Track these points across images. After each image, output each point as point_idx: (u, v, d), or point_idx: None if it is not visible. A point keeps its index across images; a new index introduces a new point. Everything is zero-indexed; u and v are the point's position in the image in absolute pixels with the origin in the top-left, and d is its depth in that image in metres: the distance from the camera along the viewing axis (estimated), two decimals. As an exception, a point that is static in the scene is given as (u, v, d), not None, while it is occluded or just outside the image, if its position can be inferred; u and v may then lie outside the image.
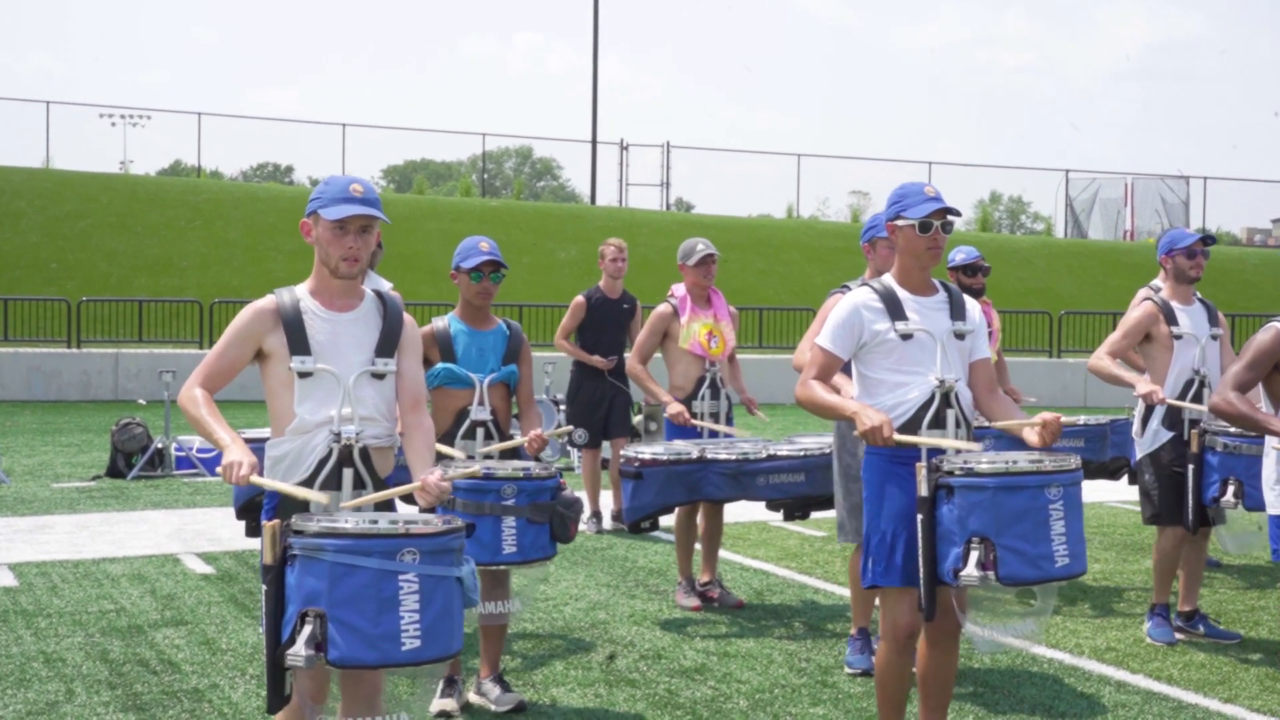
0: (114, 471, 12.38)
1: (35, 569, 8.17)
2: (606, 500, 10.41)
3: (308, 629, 3.60)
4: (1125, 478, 8.39)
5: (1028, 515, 4.28)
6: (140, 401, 19.33)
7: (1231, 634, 6.80)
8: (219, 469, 3.79)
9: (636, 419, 10.77)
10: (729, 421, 7.66)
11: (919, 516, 4.40)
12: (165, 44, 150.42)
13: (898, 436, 4.44)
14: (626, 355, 8.68)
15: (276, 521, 3.73)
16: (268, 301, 4.03)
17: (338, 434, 3.95)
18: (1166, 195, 39.59)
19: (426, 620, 3.64)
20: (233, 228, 28.31)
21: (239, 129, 49.21)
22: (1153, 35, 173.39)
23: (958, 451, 4.46)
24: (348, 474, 3.98)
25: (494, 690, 5.56)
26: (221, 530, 9.66)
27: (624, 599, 7.57)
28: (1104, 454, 7.84)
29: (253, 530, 6.30)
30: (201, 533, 9.58)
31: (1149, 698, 5.78)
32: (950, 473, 4.35)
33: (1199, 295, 6.80)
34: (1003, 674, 6.12)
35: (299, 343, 3.96)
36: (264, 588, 3.72)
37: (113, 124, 37.53)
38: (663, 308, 7.72)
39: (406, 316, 4.18)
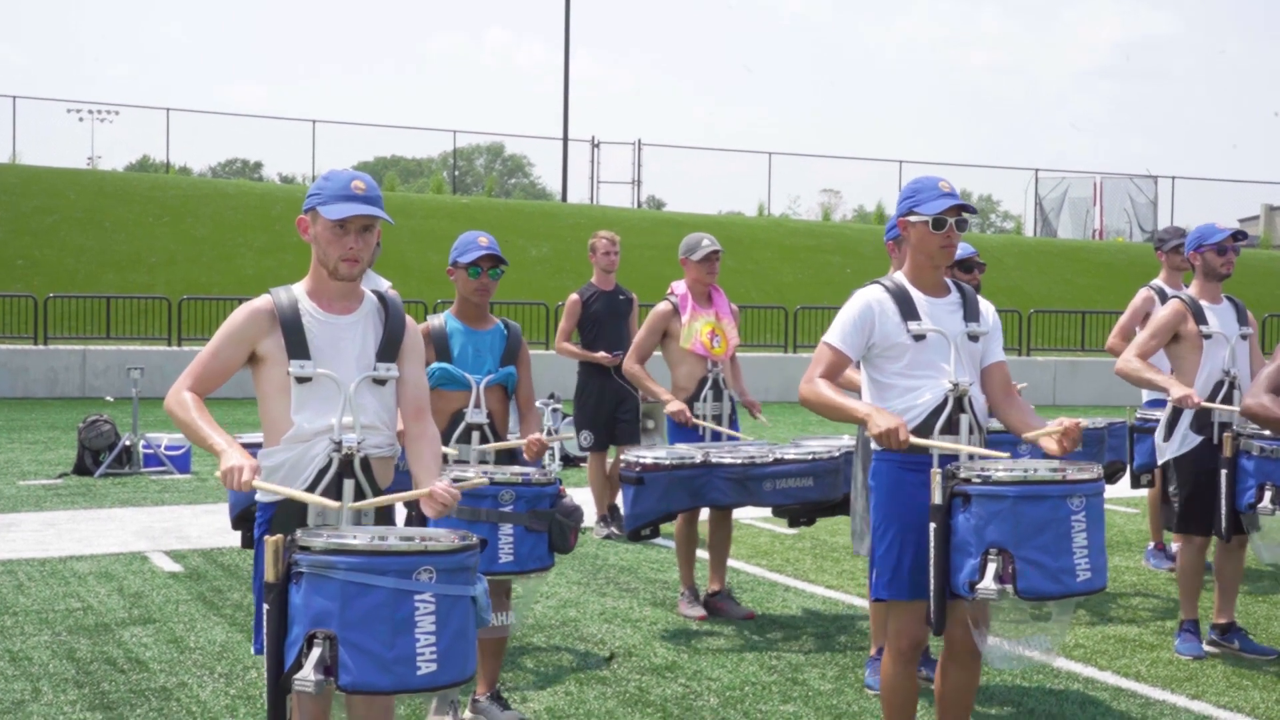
0: (81, 469, 12.29)
1: (1, 567, 8.10)
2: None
3: (316, 652, 3.38)
4: (1128, 481, 8.12)
5: (1049, 527, 4.10)
6: (108, 398, 19.20)
7: (1269, 649, 6.49)
8: (218, 473, 3.58)
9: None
10: (733, 423, 7.37)
11: (932, 526, 4.22)
12: (132, 37, 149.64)
13: (914, 440, 4.25)
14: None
15: (280, 536, 3.51)
16: (264, 301, 3.82)
17: (338, 443, 3.74)
18: (1135, 195, 39.86)
19: (443, 643, 3.44)
20: (201, 224, 28.15)
21: (208, 125, 48.88)
22: (1125, 34, 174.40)
23: (971, 457, 4.31)
24: (348, 485, 3.77)
25: (493, 709, 5.33)
26: (190, 528, 9.61)
27: (594, 596, 7.56)
28: (1101, 457, 7.55)
29: (249, 541, 5.90)
30: (169, 530, 9.52)
31: (1116, 694, 5.81)
32: (967, 480, 4.17)
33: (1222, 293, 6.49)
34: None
35: (297, 346, 3.75)
36: (265, 607, 3.50)
37: (80, 119, 37.38)
38: (663, 306, 7.40)
39: (409, 319, 3.99)
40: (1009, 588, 4.08)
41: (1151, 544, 8.78)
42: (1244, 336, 6.45)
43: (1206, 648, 6.49)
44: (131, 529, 9.56)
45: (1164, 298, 8.11)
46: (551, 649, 6.45)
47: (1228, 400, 6.30)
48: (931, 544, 4.23)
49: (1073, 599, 4.23)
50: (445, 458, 5.19)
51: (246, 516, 5.80)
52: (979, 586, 4.12)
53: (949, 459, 4.32)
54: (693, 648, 6.50)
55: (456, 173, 41.56)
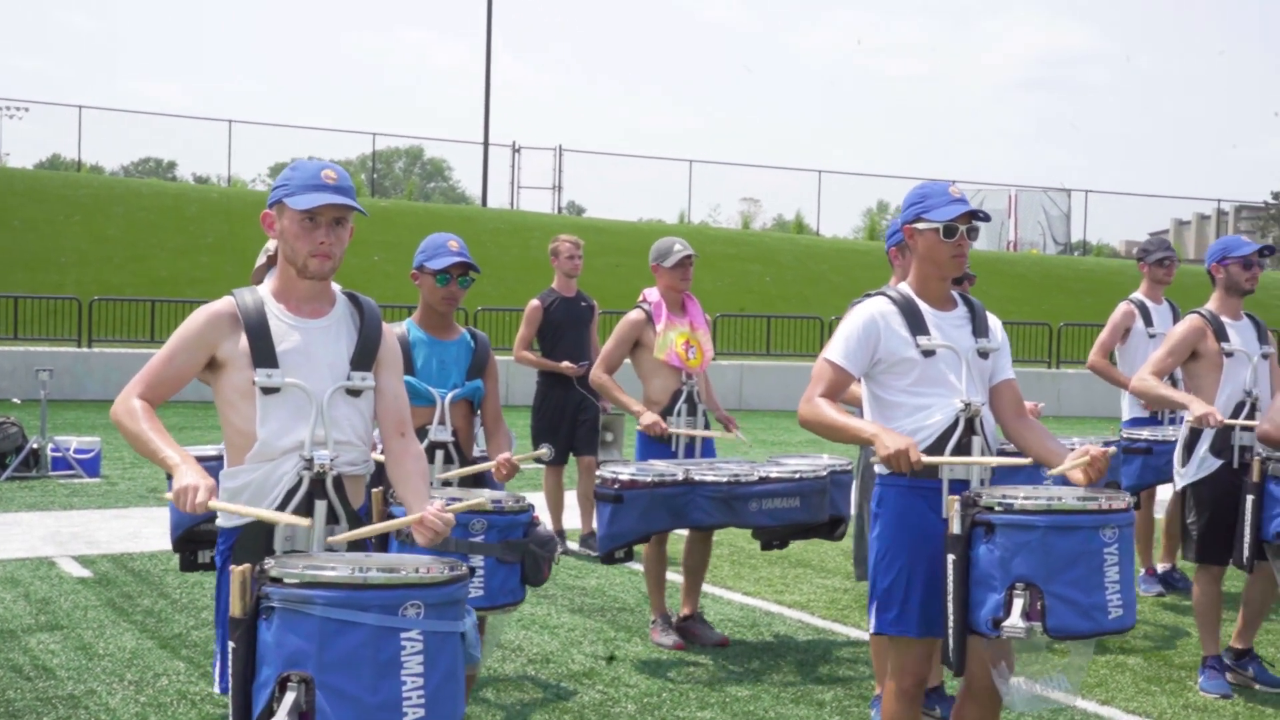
0: (-14, 472, 12.03)
1: (-98, 572, 7.91)
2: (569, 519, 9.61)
3: (290, 697, 3.04)
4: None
5: (1082, 560, 3.82)
6: (15, 400, 18.80)
7: None
8: (169, 494, 3.28)
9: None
10: (706, 441, 6.94)
11: (950, 558, 3.91)
12: (43, 31, 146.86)
13: (926, 459, 3.94)
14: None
15: (247, 566, 3.16)
16: (225, 304, 3.49)
17: (309, 460, 3.41)
18: (1048, 207, 40.55)
19: (431, 685, 3.11)
20: (113, 224, 27.68)
21: (121, 122, 47.82)
22: (1043, 47, 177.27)
23: (993, 472, 4.08)
24: (320, 506, 3.44)
25: None
26: (99, 532, 9.43)
27: (513, 603, 7.51)
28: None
29: (189, 564, 5.63)
30: (78, 535, 9.34)
31: (1027, 700, 5.86)
32: (990, 508, 3.86)
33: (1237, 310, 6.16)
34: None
35: (264, 353, 3.41)
36: (231, 645, 3.16)
37: (-12, 115, 36.53)
38: (635, 314, 6.94)
39: (385, 325, 3.67)
40: (1037, 625, 3.79)
41: (1143, 570, 8.19)
42: (1265, 355, 6.11)
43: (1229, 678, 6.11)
44: (38, 533, 9.36)
45: (1144, 311, 8.07)
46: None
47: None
48: (950, 577, 3.93)
49: (1097, 637, 3.97)
50: None
51: (189, 538, 5.51)
52: (1005, 624, 3.82)
53: (962, 485, 4.06)
54: (610, 655, 6.49)
55: (375, 175, 41.23)
